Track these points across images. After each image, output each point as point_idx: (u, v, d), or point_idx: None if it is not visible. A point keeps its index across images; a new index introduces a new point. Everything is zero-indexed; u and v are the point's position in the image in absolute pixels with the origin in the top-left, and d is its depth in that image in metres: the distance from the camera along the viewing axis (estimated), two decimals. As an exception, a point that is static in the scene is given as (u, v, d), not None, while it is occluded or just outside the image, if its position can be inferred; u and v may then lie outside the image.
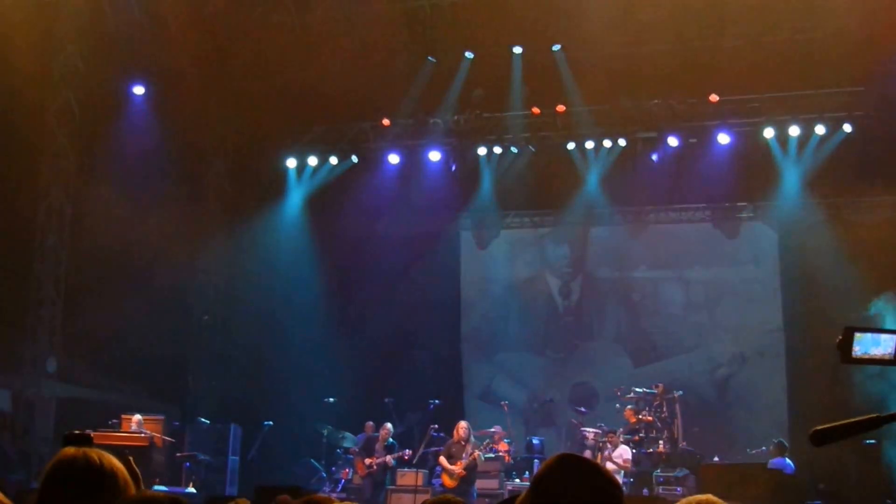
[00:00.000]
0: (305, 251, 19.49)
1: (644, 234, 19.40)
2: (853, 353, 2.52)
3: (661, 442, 15.35)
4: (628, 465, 15.00)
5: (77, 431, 3.45)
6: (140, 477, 4.39)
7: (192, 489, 15.45)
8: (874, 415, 2.45)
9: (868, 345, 2.53)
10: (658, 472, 15.21)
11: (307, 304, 18.96)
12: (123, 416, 15.62)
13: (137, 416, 15.52)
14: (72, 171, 16.68)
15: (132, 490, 3.25)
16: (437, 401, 16.97)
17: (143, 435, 15.18)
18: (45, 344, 16.15)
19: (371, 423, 16.61)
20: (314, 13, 17.24)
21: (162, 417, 16.20)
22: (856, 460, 14.58)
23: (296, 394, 17.90)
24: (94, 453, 3.18)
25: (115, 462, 3.23)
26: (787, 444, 14.84)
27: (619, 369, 18.75)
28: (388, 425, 16.25)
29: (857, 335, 2.52)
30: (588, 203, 19.07)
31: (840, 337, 2.52)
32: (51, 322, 16.27)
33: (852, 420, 2.43)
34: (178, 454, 16.29)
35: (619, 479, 14.57)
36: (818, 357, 15.73)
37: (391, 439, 16.16)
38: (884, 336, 2.53)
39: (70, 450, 3.18)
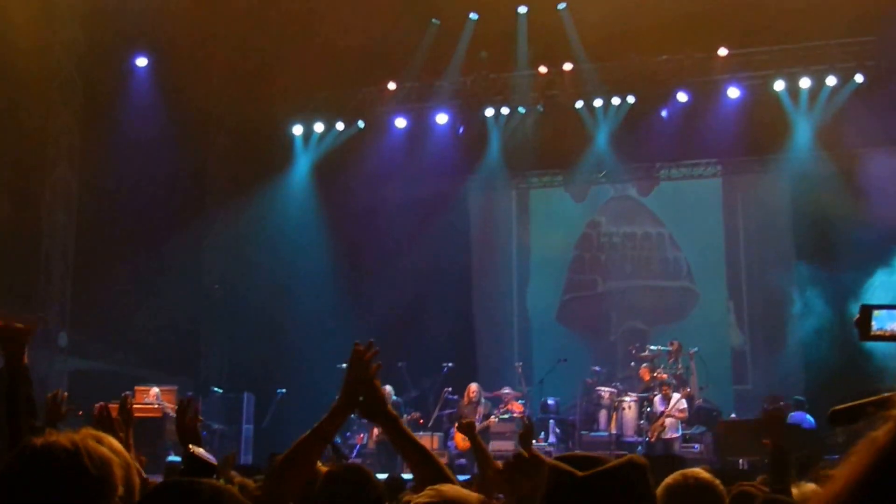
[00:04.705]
0: (314, 218, 19.41)
1: (655, 190, 19.27)
2: (871, 329, 2.48)
3: (676, 399, 15.30)
4: (684, 414, 14.82)
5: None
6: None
7: (208, 459, 15.43)
8: (892, 392, 2.39)
9: (885, 320, 2.49)
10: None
11: (317, 272, 18.91)
12: (137, 388, 15.57)
13: (155, 390, 15.50)
14: (77, 145, 16.58)
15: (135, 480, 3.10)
16: (450, 364, 16.92)
17: (156, 406, 15.16)
18: (56, 318, 16.15)
19: (386, 387, 16.55)
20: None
21: (175, 388, 16.16)
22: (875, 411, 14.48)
23: (308, 361, 17.84)
24: (66, 440, 2.51)
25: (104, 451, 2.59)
26: (804, 400, 14.76)
27: (634, 327, 18.69)
28: (388, 388, 16.13)
29: (875, 312, 2.47)
30: (598, 161, 18.93)
31: (858, 315, 2.47)
32: (61, 297, 16.28)
33: (868, 399, 2.36)
34: (193, 424, 16.28)
35: (678, 428, 14.69)
36: (832, 313, 15.62)
37: (395, 396, 16.01)
38: None
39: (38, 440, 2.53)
